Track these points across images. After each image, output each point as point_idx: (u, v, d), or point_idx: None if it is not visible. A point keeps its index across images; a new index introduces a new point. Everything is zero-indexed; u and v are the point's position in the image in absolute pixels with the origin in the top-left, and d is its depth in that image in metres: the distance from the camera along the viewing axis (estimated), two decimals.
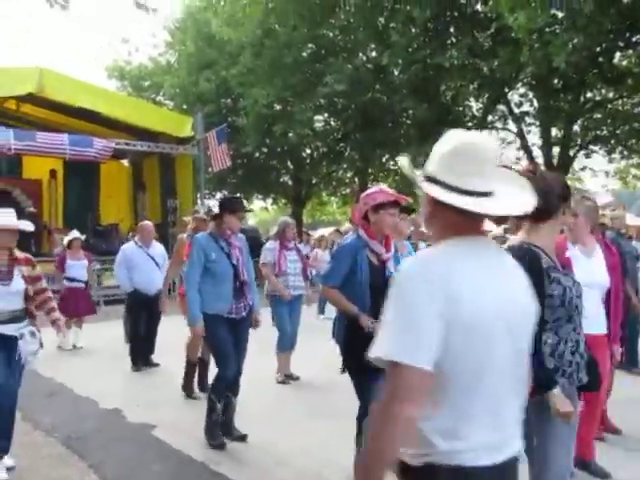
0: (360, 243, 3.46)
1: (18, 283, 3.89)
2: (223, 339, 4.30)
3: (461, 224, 1.46)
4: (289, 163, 24.20)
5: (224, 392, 4.33)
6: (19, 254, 4.01)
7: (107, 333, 8.81)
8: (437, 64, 15.00)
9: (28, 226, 4.09)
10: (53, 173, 17.62)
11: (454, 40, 15.76)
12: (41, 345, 3.99)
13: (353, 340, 3.37)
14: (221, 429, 4.36)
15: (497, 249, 1.62)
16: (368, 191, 3.53)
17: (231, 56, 19.74)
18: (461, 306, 1.35)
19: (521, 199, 1.49)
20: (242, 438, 4.39)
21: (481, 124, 18.12)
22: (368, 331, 3.21)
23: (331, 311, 10.42)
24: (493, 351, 1.39)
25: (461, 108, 18.18)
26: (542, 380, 2.17)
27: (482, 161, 1.45)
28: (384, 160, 22.28)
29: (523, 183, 1.57)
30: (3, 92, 14.21)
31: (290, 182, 25.28)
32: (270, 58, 18.18)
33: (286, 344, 6.29)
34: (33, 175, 17.58)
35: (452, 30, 16.15)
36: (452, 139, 1.49)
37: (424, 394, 1.34)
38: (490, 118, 18.75)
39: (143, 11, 7.27)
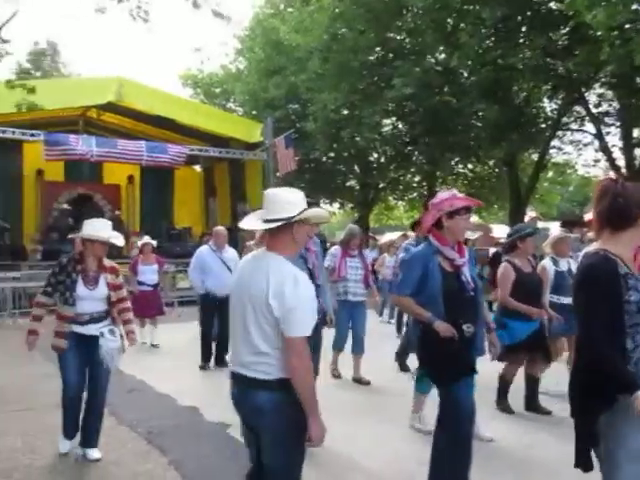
0: (431, 250, 3.43)
1: (103, 289, 4.16)
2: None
3: None
4: (356, 167, 24.23)
5: None
6: (106, 262, 4.27)
7: (183, 333, 9.08)
8: (509, 65, 14.66)
9: (119, 240, 4.30)
10: (131, 178, 18.43)
11: (526, 40, 15.36)
12: (122, 337, 4.21)
13: (428, 345, 3.40)
14: None
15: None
16: (441, 197, 3.46)
17: (299, 62, 20.00)
18: None
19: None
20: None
21: (555, 126, 17.57)
22: (444, 335, 3.24)
23: (388, 314, 10.30)
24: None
25: (534, 110, 17.65)
26: (626, 383, 2.14)
27: None
28: (453, 164, 21.96)
29: None
30: (86, 101, 14.99)
31: (357, 186, 25.30)
32: (337, 63, 18.27)
33: (338, 343, 6.53)
34: (112, 180, 18.43)
35: (524, 30, 15.74)
36: None
37: None
38: (565, 120, 18.14)
39: (220, 19, 7.43)
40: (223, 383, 6.40)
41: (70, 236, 4.59)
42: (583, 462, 2.34)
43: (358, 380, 6.40)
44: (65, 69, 32.91)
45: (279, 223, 2.38)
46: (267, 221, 2.42)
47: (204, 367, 7.19)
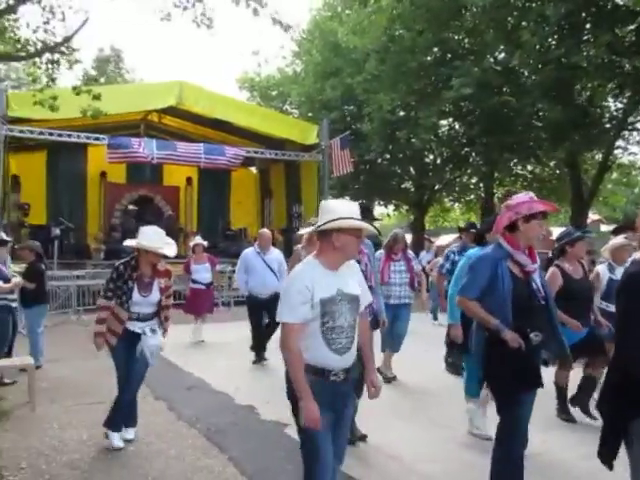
0: (501, 254, 3.30)
1: (155, 295, 4.42)
2: None
3: None
4: (412, 169, 23.99)
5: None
6: (160, 266, 4.47)
7: (238, 332, 9.15)
8: (572, 63, 14.18)
9: (171, 250, 4.44)
10: (189, 180, 18.89)
11: (591, 37, 14.83)
12: (162, 334, 4.50)
13: (493, 354, 3.27)
14: None
15: None
16: (519, 199, 3.34)
17: (356, 63, 19.97)
18: None
19: None
20: (362, 438, 4.49)
21: (620, 125, 16.89)
22: (512, 345, 3.11)
23: (444, 318, 9.85)
24: None
25: (599, 109, 17.03)
26: None
27: None
28: (511, 165, 21.45)
29: None
30: (149, 105, 15.43)
31: (412, 188, 25.06)
32: (395, 64, 18.15)
33: (385, 344, 6.55)
34: (172, 182, 18.92)
35: (589, 27, 15.21)
36: None
37: None
38: (631, 119, 17.42)
39: (279, 27, 7.53)
40: (278, 382, 6.51)
41: (126, 243, 4.69)
42: (605, 461, 2.37)
43: (381, 373, 6.37)
44: (128, 75, 33.98)
45: (309, 230, 2.78)
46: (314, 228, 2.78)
47: (257, 362, 7.43)
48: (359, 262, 4.37)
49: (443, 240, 26.11)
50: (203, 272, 9.25)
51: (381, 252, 6.50)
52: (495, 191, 23.29)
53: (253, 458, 4.19)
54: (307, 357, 2.67)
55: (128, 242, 4.61)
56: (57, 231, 13.60)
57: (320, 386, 2.67)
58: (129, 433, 4.51)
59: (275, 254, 7.67)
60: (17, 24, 6.66)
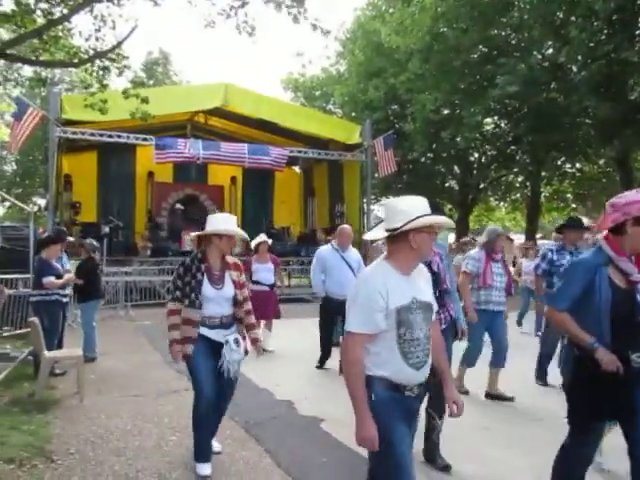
0: (601, 259, 2.88)
1: (229, 288, 3.90)
2: None
3: None
4: (456, 168, 23.77)
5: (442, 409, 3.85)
6: (229, 259, 4.02)
7: (281, 330, 9.05)
8: (623, 59, 13.80)
9: (245, 234, 4.10)
10: (233, 180, 19.23)
11: None
12: (246, 352, 3.95)
13: (581, 375, 2.93)
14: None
15: None
16: (630, 198, 2.87)
17: (399, 63, 19.94)
18: None
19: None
20: (446, 469, 3.94)
21: None
22: (606, 368, 2.73)
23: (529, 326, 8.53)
24: None
25: None
26: None
27: None
28: (559, 163, 20.99)
29: None
30: (195, 107, 15.79)
31: (456, 187, 24.81)
32: (438, 62, 18.04)
33: (469, 358, 5.87)
34: (216, 182, 19.29)
35: None
36: None
37: None
38: None
39: (318, 32, 7.62)
40: (317, 378, 6.60)
41: (194, 234, 4.20)
42: None
43: (497, 396, 5.74)
44: (176, 77, 34.69)
45: (388, 234, 2.47)
46: (387, 231, 2.51)
47: (321, 367, 7.05)
48: (430, 263, 3.95)
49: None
50: (265, 272, 8.34)
51: (478, 251, 5.84)
52: (542, 190, 22.84)
53: (289, 451, 4.28)
54: (380, 372, 2.43)
55: (196, 233, 4.13)
56: (107, 229, 14.04)
57: (395, 403, 2.44)
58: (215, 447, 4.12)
59: (354, 252, 7.00)
60: (70, 33, 6.96)
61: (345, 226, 7.26)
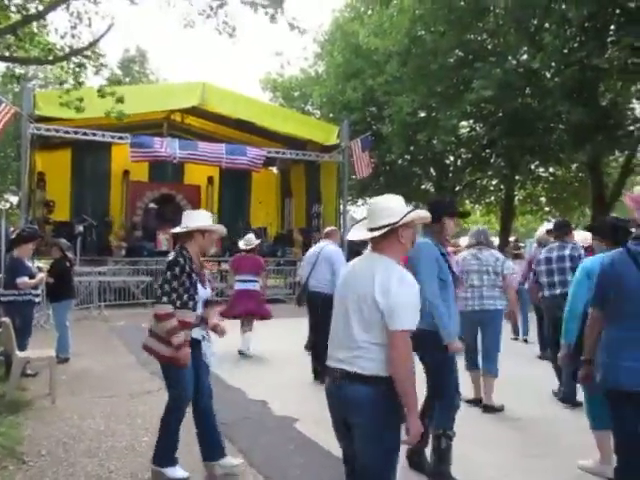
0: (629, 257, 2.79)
1: (209, 287, 3.89)
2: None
3: None
4: (432, 170, 23.98)
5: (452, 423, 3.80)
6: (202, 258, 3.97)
7: (255, 331, 9.18)
8: (595, 65, 14.09)
9: (225, 230, 4.07)
10: (210, 179, 19.11)
11: (614, 39, 14.71)
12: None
13: None
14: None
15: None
16: None
17: (377, 65, 20.03)
18: None
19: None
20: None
21: None
22: None
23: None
24: None
25: (622, 111, 16.86)
26: None
27: None
28: (533, 167, 21.33)
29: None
30: (172, 105, 15.65)
31: (432, 189, 25.05)
32: (416, 65, 18.17)
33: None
34: (193, 181, 19.16)
35: (612, 28, 15.09)
36: None
37: None
38: None
39: (296, 32, 7.65)
40: (291, 378, 6.61)
41: (176, 230, 3.84)
42: None
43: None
44: (153, 75, 34.38)
45: (383, 230, 2.53)
46: (372, 230, 2.57)
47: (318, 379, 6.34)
48: (450, 265, 3.90)
49: (463, 242, 25.94)
50: (252, 274, 8.20)
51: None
52: (516, 193, 23.17)
53: (262, 450, 4.31)
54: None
55: (180, 228, 3.82)
56: (80, 228, 13.89)
57: None
58: (234, 460, 3.97)
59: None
60: (46, 29, 6.89)
61: (334, 227, 7.72)
